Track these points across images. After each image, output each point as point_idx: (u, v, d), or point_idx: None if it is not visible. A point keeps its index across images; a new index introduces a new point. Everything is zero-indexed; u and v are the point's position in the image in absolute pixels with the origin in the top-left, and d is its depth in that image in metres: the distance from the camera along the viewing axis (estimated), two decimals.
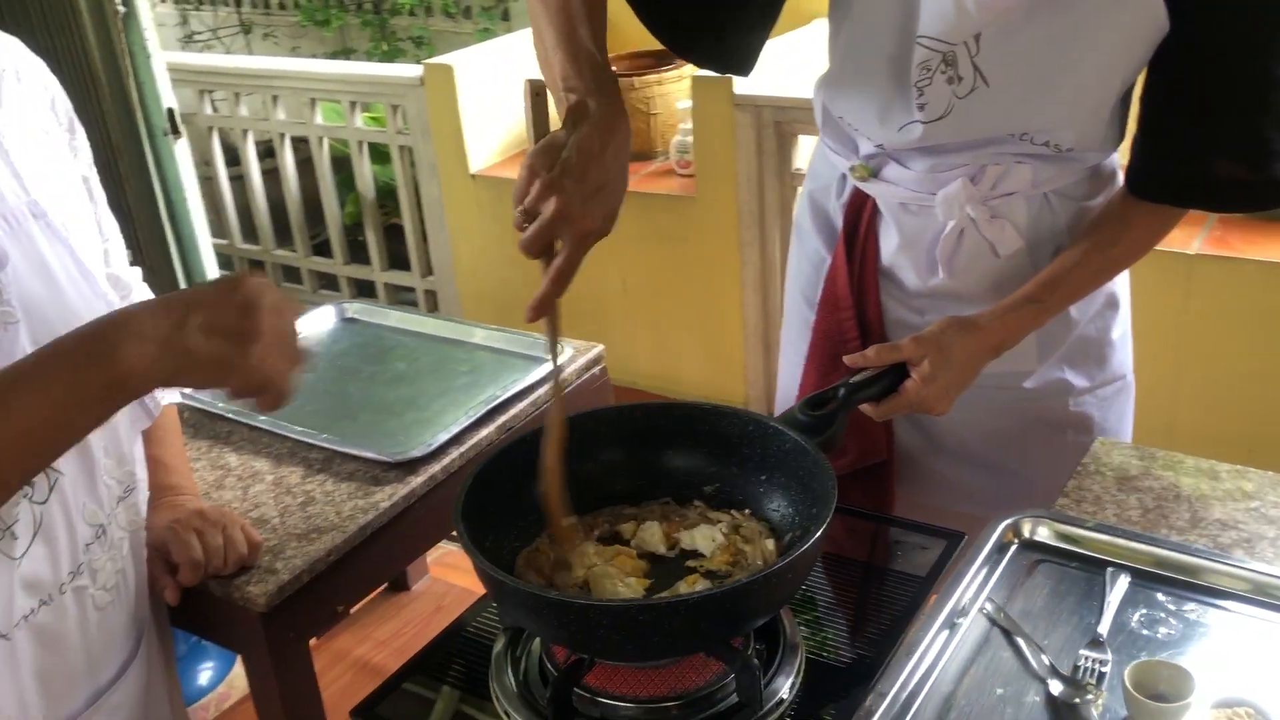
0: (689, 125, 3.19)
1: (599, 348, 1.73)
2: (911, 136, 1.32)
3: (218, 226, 4.48)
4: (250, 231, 4.39)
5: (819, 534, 1.07)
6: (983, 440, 1.49)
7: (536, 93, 1.11)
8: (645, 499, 1.29)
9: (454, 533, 1.12)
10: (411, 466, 1.45)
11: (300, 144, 4.16)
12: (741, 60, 1.37)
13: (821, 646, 1.20)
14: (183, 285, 3.24)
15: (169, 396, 1.36)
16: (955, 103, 1.27)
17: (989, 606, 1.09)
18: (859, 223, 1.46)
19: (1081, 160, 1.33)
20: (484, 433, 1.52)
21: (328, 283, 4.30)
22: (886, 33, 1.28)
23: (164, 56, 3.12)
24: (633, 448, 1.29)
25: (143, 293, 1.35)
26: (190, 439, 1.57)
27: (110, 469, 1.15)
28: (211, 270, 3.27)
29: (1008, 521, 1.18)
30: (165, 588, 1.24)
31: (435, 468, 1.45)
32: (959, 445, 1.51)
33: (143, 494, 1.27)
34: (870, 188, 1.43)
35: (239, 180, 4.30)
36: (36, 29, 3.06)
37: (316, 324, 1.87)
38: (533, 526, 1.22)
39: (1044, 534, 1.17)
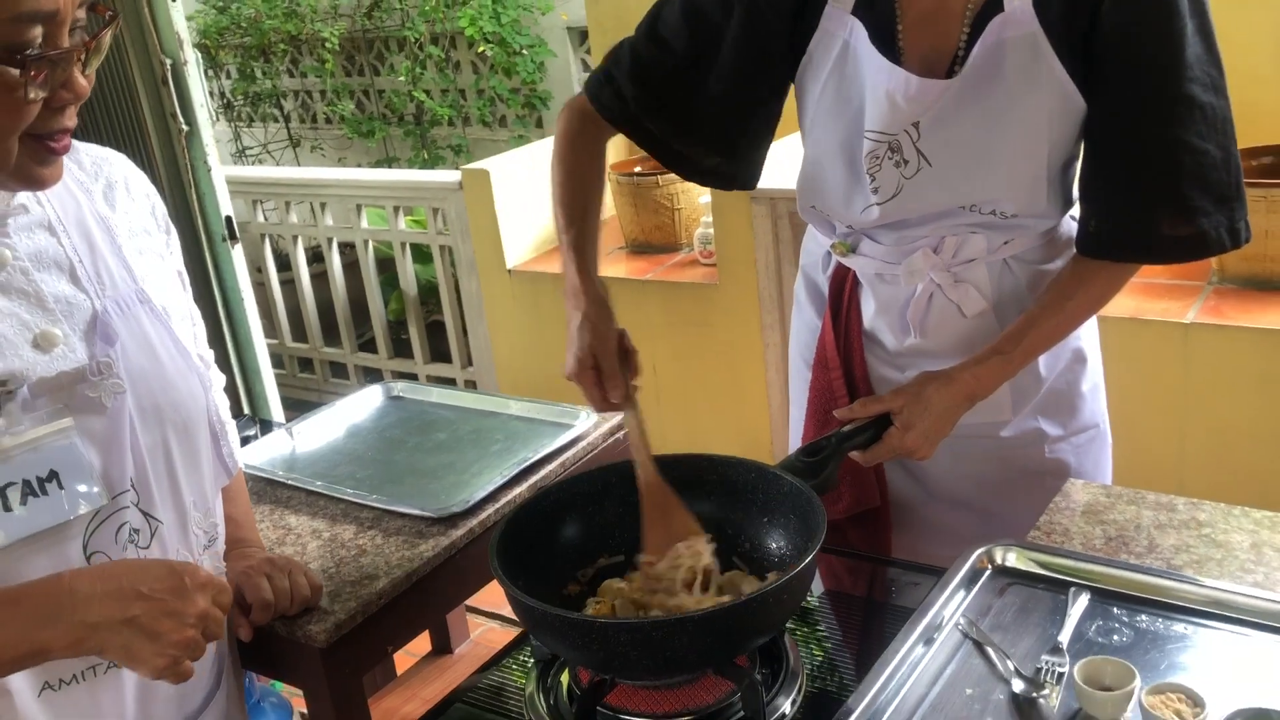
0: (710, 218, 3.39)
1: (620, 416, 1.89)
2: (871, 217, 1.50)
3: (269, 328, 4.73)
4: (300, 331, 4.62)
5: (811, 556, 1.22)
6: (968, 485, 1.63)
7: None
8: None
9: (493, 578, 1.27)
10: (452, 521, 1.62)
11: (347, 248, 4.41)
12: (746, 178, 1.62)
13: (822, 673, 1.33)
14: (239, 381, 3.46)
15: (238, 462, 1.54)
16: (904, 183, 1.45)
17: (962, 622, 1.23)
18: (843, 292, 1.63)
19: (1029, 226, 1.49)
20: (517, 490, 1.69)
21: (373, 377, 4.51)
22: (840, 131, 1.49)
23: (222, 170, 3.38)
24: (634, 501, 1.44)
25: (216, 372, 1.55)
26: (255, 503, 1.74)
27: (199, 520, 1.32)
28: (265, 368, 3.49)
29: (981, 550, 1.32)
30: (240, 626, 1.40)
31: (473, 521, 1.62)
32: (947, 490, 1.65)
33: (222, 545, 1.45)
34: (849, 261, 1.61)
35: (289, 284, 4.55)
36: (106, 144, 3.33)
37: (365, 403, 2.06)
38: (561, 565, 1.37)
39: (1013, 559, 1.31)
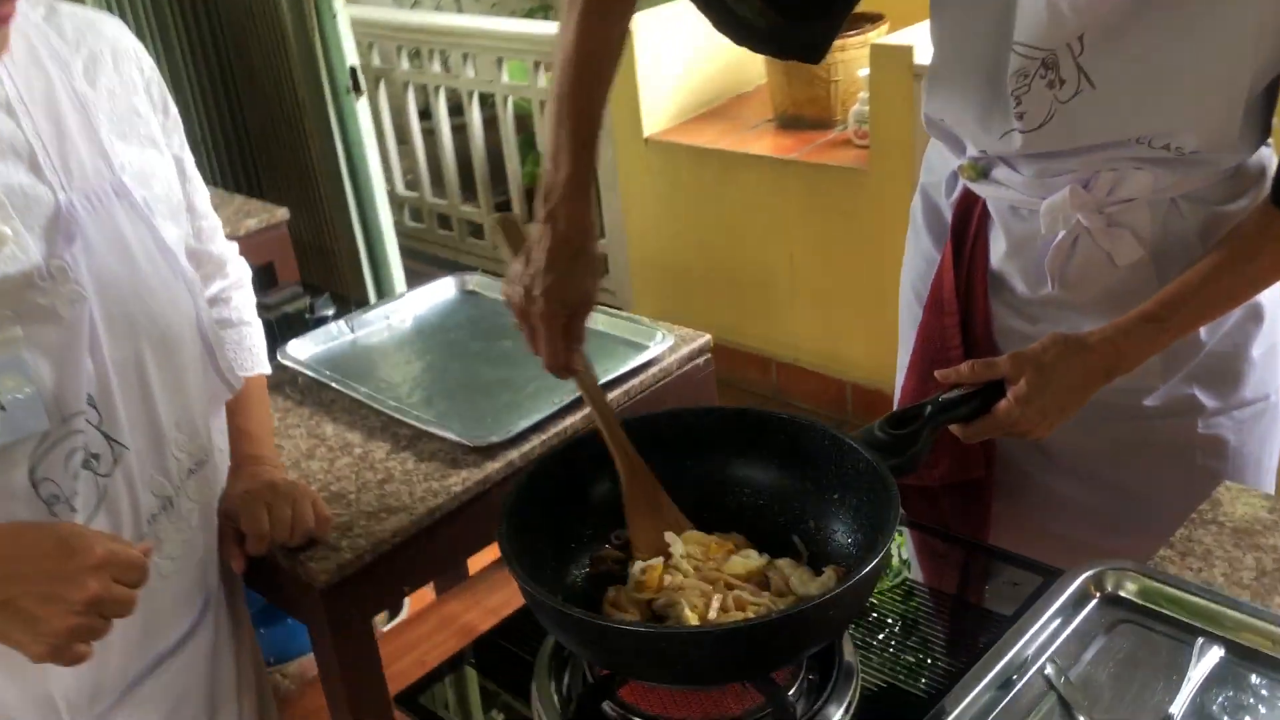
0: (867, 94, 3.05)
1: (705, 337, 1.67)
2: (1012, 145, 1.21)
3: (411, 180, 4.63)
4: (439, 183, 4.50)
5: (871, 566, 0.99)
6: (1098, 456, 1.36)
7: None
8: (709, 509, 1.23)
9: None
10: (490, 451, 1.44)
11: (487, 102, 4.23)
12: (807, 47, 1.27)
13: (883, 674, 1.12)
14: (359, 237, 3.35)
15: (257, 368, 1.40)
16: (1057, 108, 1.14)
17: (1050, 668, 0.98)
18: (968, 223, 1.34)
19: (1211, 163, 1.17)
20: (568, 421, 1.49)
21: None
22: (981, 39, 1.18)
23: (354, 10, 3.20)
24: (701, 455, 1.23)
25: (238, 267, 1.39)
26: (296, 404, 1.61)
27: (181, 443, 1.18)
28: (388, 229, 3.37)
29: (1091, 571, 1.06)
30: (233, 557, 1.27)
31: (514, 454, 1.44)
32: (1070, 459, 1.38)
33: (220, 466, 1.31)
34: (979, 188, 1.31)
35: (430, 134, 4.41)
36: None
37: (435, 296, 1.88)
38: (594, 524, 1.18)
39: (1130, 589, 1.05)
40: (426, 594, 2.37)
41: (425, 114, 4.42)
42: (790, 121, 3.40)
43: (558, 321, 1.15)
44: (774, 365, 3.47)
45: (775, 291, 3.37)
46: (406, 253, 3.58)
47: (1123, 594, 1.05)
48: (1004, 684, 0.97)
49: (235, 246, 1.40)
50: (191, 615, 1.24)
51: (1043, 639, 1.01)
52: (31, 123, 1.06)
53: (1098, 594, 1.06)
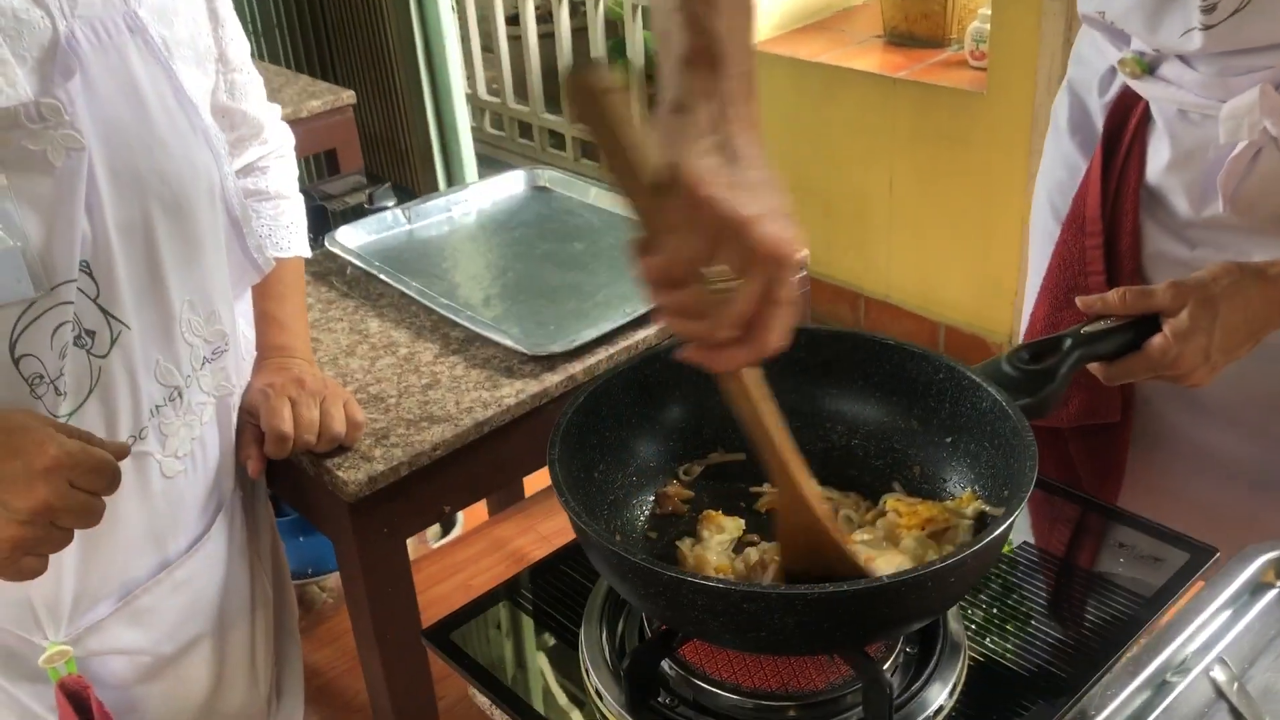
0: (989, 10, 2.79)
1: (800, 253, 1.46)
2: (1191, 45, 0.99)
3: (495, 84, 4.45)
4: (523, 92, 4.32)
5: (1000, 530, 0.81)
6: (1256, 403, 1.16)
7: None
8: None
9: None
10: (550, 362, 1.27)
11: (579, 7, 4.02)
12: None
13: (990, 649, 0.94)
14: (433, 132, 3.18)
15: (294, 249, 1.23)
16: None
17: (1219, 671, 0.79)
18: (1124, 129, 1.14)
19: None
20: (640, 335, 1.31)
21: (590, 153, 4.18)
22: None
23: None
24: (787, 382, 1.04)
25: (279, 134, 1.22)
26: (341, 295, 1.45)
27: (195, 326, 1.03)
28: (463, 125, 3.21)
29: (1273, 554, 0.86)
30: (249, 458, 1.12)
31: (577, 367, 1.26)
32: (1227, 408, 1.18)
33: (243, 356, 1.16)
34: (1143, 87, 1.10)
35: (517, 40, 4.21)
36: None
37: (502, 190, 1.70)
38: (660, 456, 1.01)
39: None
40: (480, 511, 2.23)
41: (513, 20, 4.23)
42: (901, 38, 3.15)
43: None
44: (863, 301, 3.26)
45: (871, 221, 3.15)
46: (484, 161, 3.41)
47: None
48: (1159, 685, 0.78)
49: (277, 110, 1.23)
50: (203, 521, 1.09)
51: (1208, 634, 0.81)
52: None
53: (1278, 583, 0.85)
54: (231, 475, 1.12)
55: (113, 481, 0.84)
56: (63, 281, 0.90)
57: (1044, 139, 2.69)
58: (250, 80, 1.16)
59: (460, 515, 2.32)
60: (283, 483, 1.18)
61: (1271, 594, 0.85)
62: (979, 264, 2.96)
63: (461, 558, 1.87)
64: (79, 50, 0.90)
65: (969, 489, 0.97)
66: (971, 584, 0.92)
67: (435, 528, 2.28)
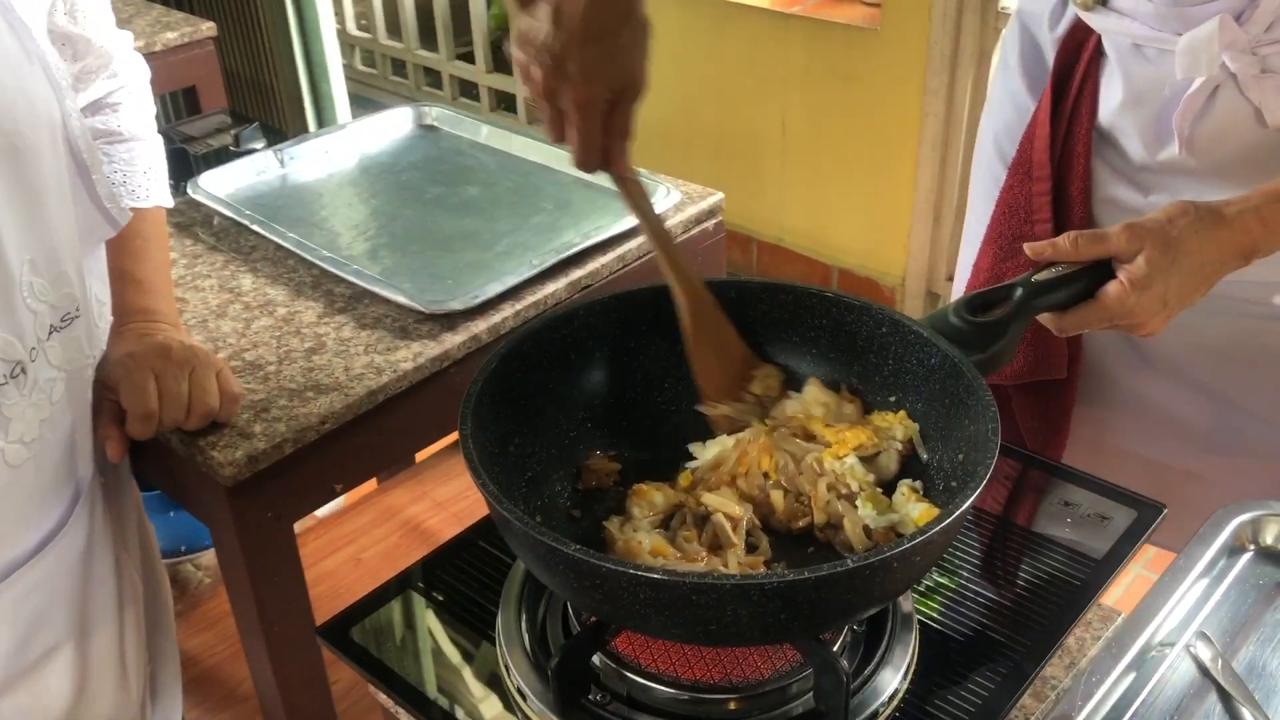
0: None
1: (717, 196, 1.37)
2: None
3: (365, 19, 4.22)
4: (395, 28, 4.11)
5: (967, 505, 0.73)
6: (1203, 358, 1.13)
7: None
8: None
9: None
10: (451, 321, 1.15)
11: None
12: None
13: (943, 621, 0.88)
14: (301, 69, 2.98)
15: (153, 198, 1.08)
16: None
17: (1202, 648, 0.73)
18: (1075, 66, 1.08)
19: None
20: (550, 289, 1.20)
21: (469, 91, 4.00)
22: None
23: None
24: None
25: (132, 65, 1.07)
26: (208, 249, 1.30)
27: (39, 289, 0.88)
28: (334, 62, 3.01)
29: (1244, 517, 0.81)
30: (109, 439, 0.98)
31: (480, 326, 1.15)
32: (1170, 361, 1.15)
33: (98, 323, 1.01)
34: (1095, 19, 1.04)
35: None
36: None
37: (388, 129, 1.56)
38: (579, 427, 0.91)
39: None
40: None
41: None
42: None
43: (598, 108, 0.84)
44: (755, 244, 3.19)
45: (763, 162, 3.07)
46: (356, 99, 3.22)
47: None
48: (1140, 667, 0.72)
49: (129, 38, 1.07)
50: (55, 514, 0.95)
51: (1185, 607, 0.76)
52: None
53: (1252, 546, 0.80)
54: (89, 459, 0.98)
55: None
56: None
57: (938, 78, 2.64)
58: (97, 4, 1.00)
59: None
60: (149, 463, 1.04)
61: (1245, 558, 0.80)
62: (872, 205, 2.92)
63: (350, 529, 1.74)
64: None
65: (902, 410, 0.91)
66: (936, 559, 0.85)
67: None
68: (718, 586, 0.71)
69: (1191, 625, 0.75)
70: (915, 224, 2.84)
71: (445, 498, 1.78)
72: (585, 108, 0.84)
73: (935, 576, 0.95)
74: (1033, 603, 0.92)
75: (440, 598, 0.96)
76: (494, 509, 0.76)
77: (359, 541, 1.70)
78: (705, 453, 0.90)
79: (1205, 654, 0.73)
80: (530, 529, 0.72)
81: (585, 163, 0.87)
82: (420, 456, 1.91)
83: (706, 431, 0.94)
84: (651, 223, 0.92)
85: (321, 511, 1.94)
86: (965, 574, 0.96)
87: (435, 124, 1.58)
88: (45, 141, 0.86)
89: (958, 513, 0.72)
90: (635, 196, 0.91)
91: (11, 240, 0.84)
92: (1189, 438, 1.16)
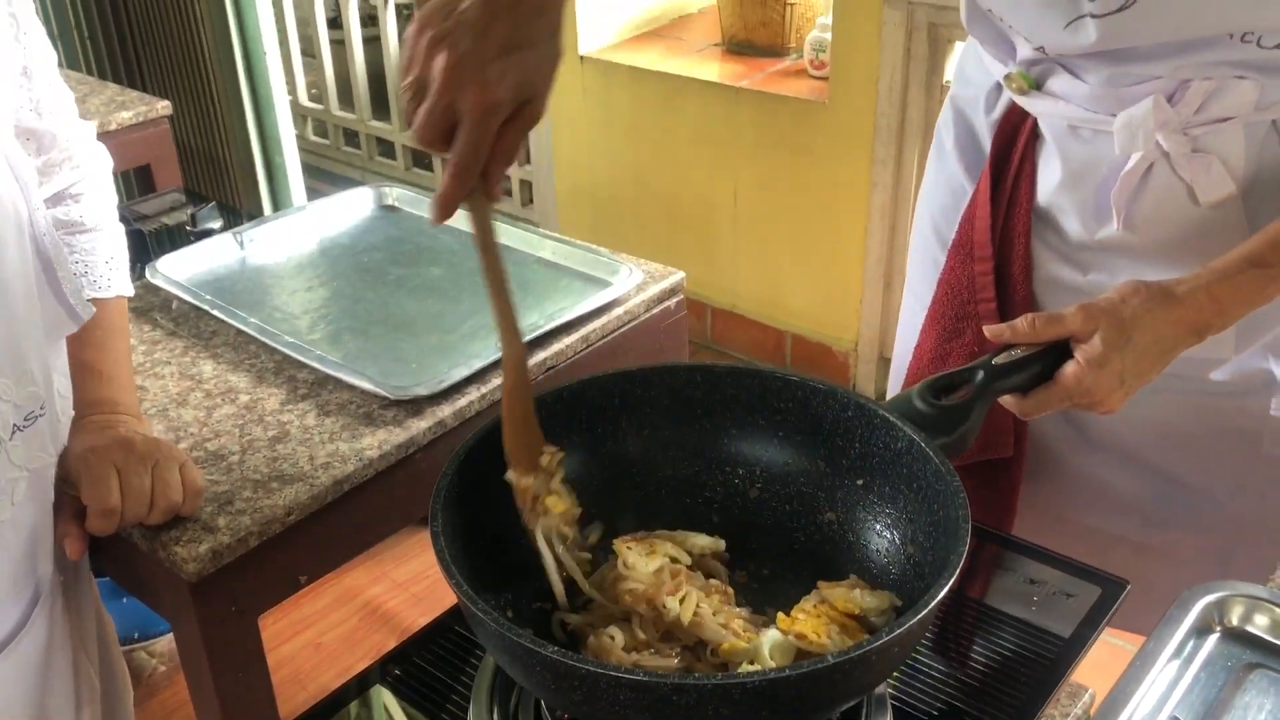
0: (829, 20, 2.79)
1: (678, 275, 1.39)
2: (1084, 38, 0.97)
3: (317, 90, 4.24)
4: (348, 99, 4.12)
5: (942, 594, 0.74)
6: (1144, 437, 1.16)
7: None
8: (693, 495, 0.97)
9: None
10: (416, 406, 1.15)
11: (405, 10, 3.86)
12: None
13: (917, 702, 0.88)
14: (255, 144, 2.98)
15: (115, 288, 1.07)
16: None
17: None
18: (1012, 148, 1.11)
19: None
20: None
21: (421, 161, 4.02)
22: None
23: None
24: (685, 424, 0.97)
25: (93, 156, 1.07)
26: (167, 335, 1.29)
27: (4, 388, 0.87)
28: (287, 137, 3.01)
29: (1209, 599, 0.82)
30: (68, 536, 0.96)
31: (446, 411, 1.14)
32: (1111, 438, 1.18)
33: (60, 419, 1.00)
34: (1030, 103, 1.08)
35: (340, 45, 4.02)
36: None
37: (348, 210, 1.56)
38: None
39: (1261, 623, 0.82)
40: None
41: (334, 23, 4.03)
42: (740, 46, 3.14)
43: (498, 117, 0.77)
44: (709, 311, 3.22)
45: (715, 231, 3.12)
46: (309, 170, 3.22)
47: (1252, 630, 0.82)
48: None
49: (91, 129, 1.07)
50: (15, 614, 0.93)
51: (1158, 690, 0.77)
52: None
53: (1218, 627, 0.82)
54: (50, 558, 0.96)
55: None
56: None
57: (886, 148, 2.70)
58: (57, 96, 1.00)
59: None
60: (108, 557, 1.02)
61: (1213, 639, 0.81)
62: (823, 272, 2.96)
63: (309, 611, 1.71)
64: None
65: (884, 542, 0.91)
66: (912, 649, 0.85)
67: None
68: (699, 687, 0.71)
69: (1165, 709, 0.76)
70: (866, 290, 2.88)
71: (405, 578, 1.75)
72: (487, 112, 0.76)
73: (910, 659, 0.95)
74: (1005, 682, 0.93)
75: (409, 691, 0.94)
76: (467, 609, 0.76)
77: (318, 625, 1.67)
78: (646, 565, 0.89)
79: None
80: (505, 630, 0.72)
81: (464, 177, 0.78)
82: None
83: (679, 519, 0.94)
84: (493, 262, 0.82)
85: None
86: (938, 654, 0.97)
87: (395, 204, 1.59)
88: (11, 239, 0.85)
89: (933, 604, 0.73)
90: (486, 229, 0.82)
91: None
92: (1132, 511, 1.18)
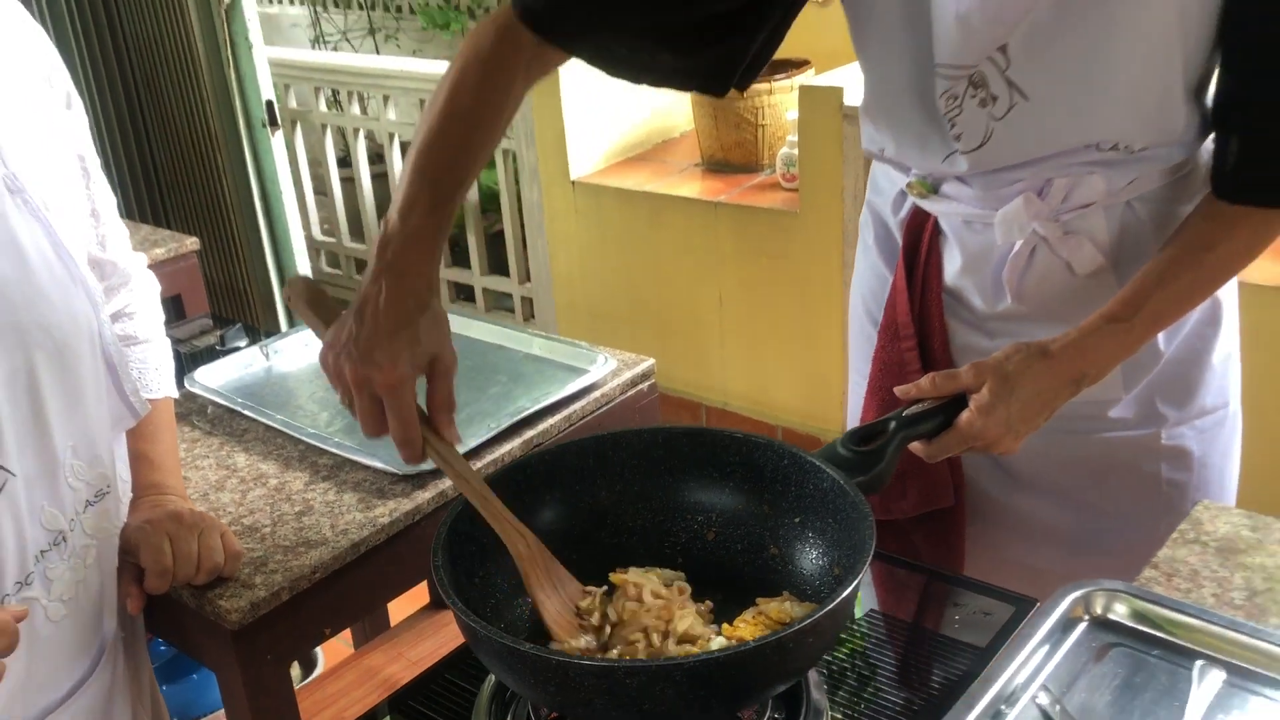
0: (796, 138, 3.03)
1: (649, 361, 1.58)
2: (957, 168, 1.17)
3: (329, 224, 4.50)
4: (358, 231, 4.38)
5: (847, 593, 0.91)
6: (1062, 473, 1.31)
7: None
8: (660, 538, 1.14)
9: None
10: (420, 480, 1.33)
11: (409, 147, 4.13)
12: (720, 80, 1.18)
13: (852, 711, 1.03)
14: (273, 276, 3.22)
15: (163, 390, 1.27)
16: (994, 125, 1.12)
17: (1044, 697, 0.90)
18: (920, 241, 1.30)
19: (1163, 158, 1.15)
20: (506, 448, 1.39)
21: None
22: (905, 65, 1.15)
23: (269, 51, 3.11)
24: (649, 479, 1.14)
25: (145, 281, 1.27)
26: (205, 434, 1.48)
27: (79, 470, 1.05)
28: (303, 267, 3.25)
29: (1078, 593, 0.99)
30: (129, 595, 1.14)
31: (447, 483, 1.33)
32: (1035, 478, 1.33)
33: (122, 498, 1.18)
34: (929, 205, 1.27)
35: (349, 181, 4.30)
36: (145, 16, 3.08)
37: None
38: None
39: (1121, 612, 0.98)
40: (342, 647, 2.22)
41: (344, 161, 4.31)
42: (718, 165, 3.37)
43: (408, 386, 0.97)
44: (704, 409, 3.40)
45: (705, 335, 3.31)
46: None
47: (1113, 617, 0.98)
48: (994, 716, 0.89)
49: (143, 258, 1.28)
50: (85, 664, 1.10)
51: (1031, 667, 0.93)
52: None
53: (1086, 617, 0.98)
54: (114, 615, 1.14)
55: (12, 644, 0.86)
56: None
57: (854, 251, 2.92)
58: (118, 232, 1.21)
59: (320, 652, 2.30)
60: (161, 618, 1.20)
61: (1081, 627, 0.98)
62: (806, 368, 3.14)
63: (332, 691, 1.86)
64: None
65: (818, 567, 1.08)
66: (829, 642, 1.01)
67: (297, 669, 2.26)
68: (645, 668, 0.88)
69: (1035, 681, 0.92)
70: (849, 383, 3.06)
71: (420, 656, 1.91)
72: (395, 388, 0.96)
73: (847, 675, 1.11)
74: (928, 692, 1.08)
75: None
76: (463, 623, 0.93)
77: (340, 703, 1.82)
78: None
79: (1045, 700, 0.89)
80: (492, 634, 0.89)
81: (407, 444, 0.98)
82: (395, 619, 2.05)
83: (648, 561, 1.10)
84: (473, 489, 0.99)
85: (300, 683, 2.06)
86: (872, 669, 1.13)
87: None
88: (85, 349, 1.05)
89: (836, 601, 0.90)
90: (458, 466, 0.99)
91: (59, 430, 1.02)
92: (1059, 544, 1.33)
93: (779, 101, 3.22)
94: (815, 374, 3.12)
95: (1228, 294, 1.27)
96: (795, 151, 3.03)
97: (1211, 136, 1.14)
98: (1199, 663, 0.92)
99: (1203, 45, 1.07)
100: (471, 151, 1.07)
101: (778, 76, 3.22)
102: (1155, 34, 1.05)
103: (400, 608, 2.08)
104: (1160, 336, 1.23)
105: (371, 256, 1.02)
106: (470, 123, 1.07)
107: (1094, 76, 1.08)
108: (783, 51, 1.24)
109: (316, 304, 1.06)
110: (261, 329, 3.03)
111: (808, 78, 3.10)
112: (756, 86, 3.22)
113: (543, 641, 1.00)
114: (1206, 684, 0.90)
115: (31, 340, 0.98)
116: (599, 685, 0.88)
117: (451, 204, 1.05)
